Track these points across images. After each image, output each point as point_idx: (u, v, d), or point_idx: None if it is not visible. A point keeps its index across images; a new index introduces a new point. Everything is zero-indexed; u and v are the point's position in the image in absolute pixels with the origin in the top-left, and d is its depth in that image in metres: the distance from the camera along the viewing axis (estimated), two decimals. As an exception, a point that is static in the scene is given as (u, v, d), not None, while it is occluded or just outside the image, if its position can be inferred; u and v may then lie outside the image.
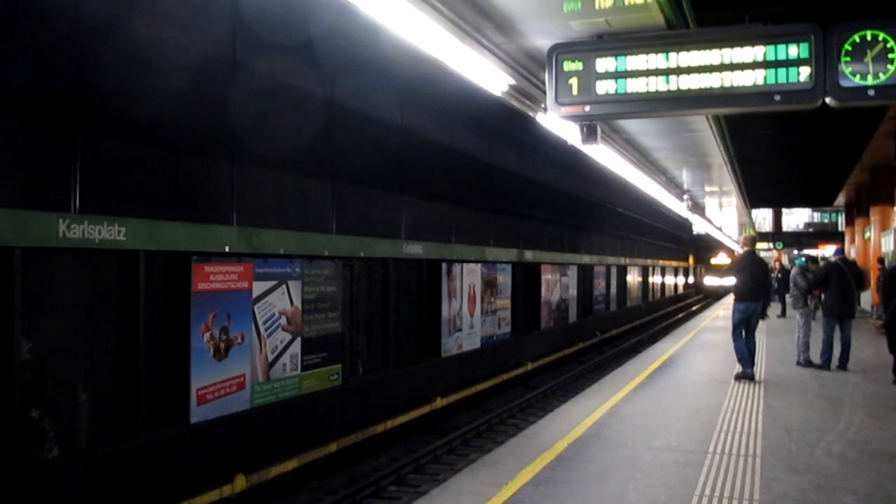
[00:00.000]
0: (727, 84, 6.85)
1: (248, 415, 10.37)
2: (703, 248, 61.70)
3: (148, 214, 8.85)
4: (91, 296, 8.38)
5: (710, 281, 59.39)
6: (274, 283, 10.96)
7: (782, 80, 6.82)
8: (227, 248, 9.97)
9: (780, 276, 28.47)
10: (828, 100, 6.92)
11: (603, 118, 7.80)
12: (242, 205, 10.32)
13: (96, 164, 8.28)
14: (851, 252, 32.54)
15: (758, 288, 12.26)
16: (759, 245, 47.75)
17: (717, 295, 53.02)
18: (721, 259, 60.08)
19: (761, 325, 18.54)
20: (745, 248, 12.75)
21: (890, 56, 6.71)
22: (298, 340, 11.52)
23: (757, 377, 12.30)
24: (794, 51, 6.81)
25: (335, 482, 11.40)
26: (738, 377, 12.15)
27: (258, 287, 10.59)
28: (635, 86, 6.90)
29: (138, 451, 8.80)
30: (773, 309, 27.78)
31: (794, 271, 15.31)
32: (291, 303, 11.36)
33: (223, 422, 9.93)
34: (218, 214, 9.99)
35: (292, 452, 10.99)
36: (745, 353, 12.13)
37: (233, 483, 9.64)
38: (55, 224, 7.67)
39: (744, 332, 12.15)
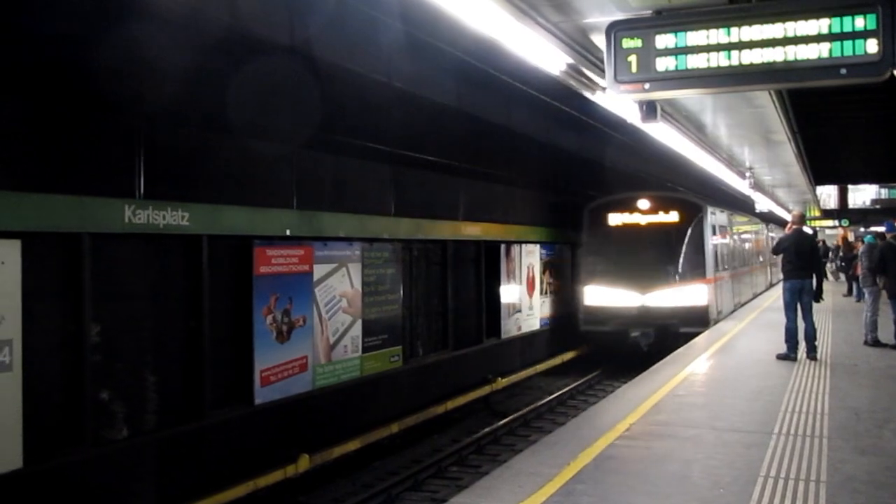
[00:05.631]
0: (790, 58, 6.67)
1: (311, 396, 10.51)
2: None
3: (210, 199, 8.98)
4: (156, 280, 8.55)
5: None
6: (334, 265, 11.06)
7: (848, 52, 6.62)
8: (287, 232, 10.08)
9: (842, 254, 27.73)
10: (896, 72, 6.72)
11: (663, 95, 7.67)
12: (302, 189, 10.42)
13: (159, 150, 8.43)
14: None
15: (803, 265, 12.02)
16: (825, 223, 46.53)
17: None
18: None
19: (826, 304, 18.17)
20: (793, 226, 12.48)
21: (962, 25, 6.48)
22: (359, 322, 11.62)
23: (820, 357, 12.07)
24: (860, 22, 6.60)
25: (397, 462, 11.50)
26: (779, 357, 11.98)
27: (319, 270, 10.70)
28: (696, 62, 6.76)
29: (204, 431, 8.97)
30: (840, 287, 27.17)
31: (861, 248, 14.93)
32: (352, 285, 11.47)
33: (286, 403, 10.07)
34: (278, 199, 10.10)
35: (354, 433, 11.11)
36: (793, 334, 11.94)
37: (297, 463, 9.78)
38: (121, 210, 7.83)
39: (799, 313, 11.94)
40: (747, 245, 26.88)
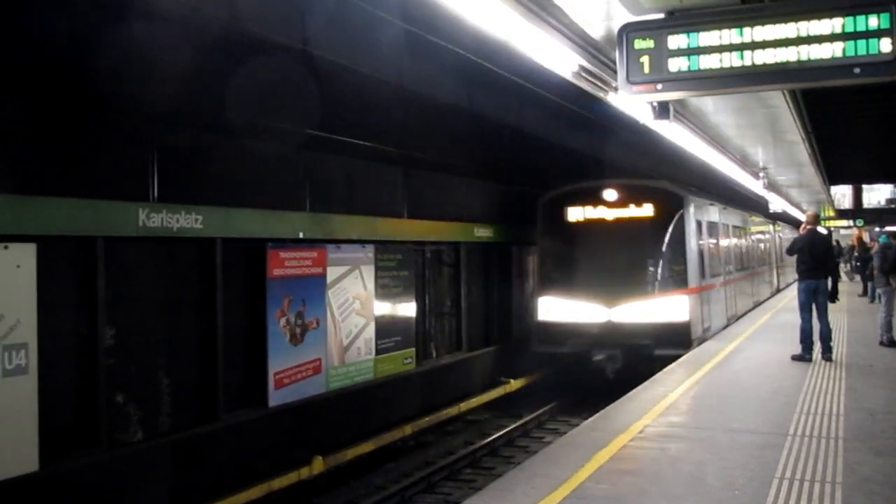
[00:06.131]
0: (804, 57, 6.64)
1: (325, 398, 10.52)
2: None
3: (223, 202, 9.01)
4: (170, 283, 8.59)
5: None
6: (347, 268, 11.09)
7: (862, 52, 6.58)
8: (300, 235, 10.11)
9: (857, 254, 27.55)
10: (910, 71, 6.67)
11: (675, 96, 7.65)
12: (315, 191, 10.44)
13: (172, 153, 8.47)
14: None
15: (817, 265, 11.96)
16: (840, 223, 46.22)
17: None
18: None
19: (842, 304, 18.03)
20: (807, 226, 12.43)
21: (977, 23, 6.44)
22: (372, 325, 11.64)
23: (836, 358, 12.00)
24: (874, 21, 6.56)
25: (410, 464, 11.50)
26: (794, 358, 11.92)
27: (332, 272, 10.73)
28: (708, 62, 6.73)
29: (218, 434, 9.00)
30: (855, 287, 27.02)
31: (875, 248, 14.85)
32: (365, 287, 11.49)
33: (300, 405, 10.09)
34: (291, 201, 10.12)
35: (368, 435, 11.12)
36: (808, 335, 11.89)
37: (311, 465, 9.80)
38: (135, 214, 7.86)
39: (814, 313, 11.88)
40: (747, 245, 23.58)
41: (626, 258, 15.14)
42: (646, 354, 13.94)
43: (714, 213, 17.88)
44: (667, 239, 15.14)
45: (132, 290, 8.13)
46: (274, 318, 9.77)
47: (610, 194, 15.43)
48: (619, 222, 15.33)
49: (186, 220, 8.46)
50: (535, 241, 16.27)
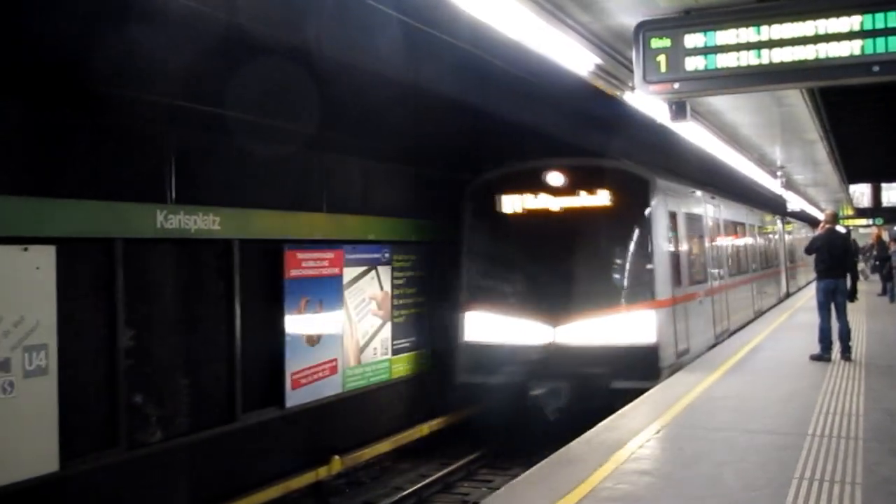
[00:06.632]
0: (822, 56, 6.60)
1: (341, 398, 10.54)
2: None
3: (241, 203, 9.04)
4: (188, 284, 8.63)
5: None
6: (364, 268, 11.11)
7: (881, 49, 6.54)
8: (317, 235, 10.14)
9: (876, 252, 27.36)
10: (930, 68, 6.62)
11: (692, 95, 7.63)
12: (331, 192, 10.46)
13: (190, 155, 8.51)
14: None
15: (835, 265, 11.90)
16: (858, 221, 45.95)
17: None
18: None
19: (860, 304, 17.88)
20: (826, 225, 12.36)
21: None
22: (388, 325, 11.66)
23: (855, 357, 11.93)
24: (893, 19, 6.54)
25: (428, 465, 11.49)
26: (813, 357, 11.85)
27: (349, 273, 10.75)
28: (726, 61, 6.71)
29: (236, 434, 9.04)
30: (873, 287, 26.83)
31: (893, 248, 14.78)
32: (381, 288, 11.50)
33: (317, 406, 10.12)
34: (308, 202, 10.14)
35: (385, 435, 11.14)
36: (827, 335, 11.82)
37: (329, 465, 9.83)
38: (153, 215, 7.90)
39: (833, 313, 11.81)
40: (748, 244, 19.91)
41: (575, 262, 11.60)
42: (600, 388, 10.72)
43: (697, 203, 14.51)
44: (628, 236, 11.77)
45: (150, 291, 8.17)
46: (291, 318, 9.80)
47: (554, 178, 12.03)
48: (568, 215, 11.91)
49: (204, 222, 8.50)
50: (461, 241, 12.45)
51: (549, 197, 12.01)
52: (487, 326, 11.76)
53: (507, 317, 11.66)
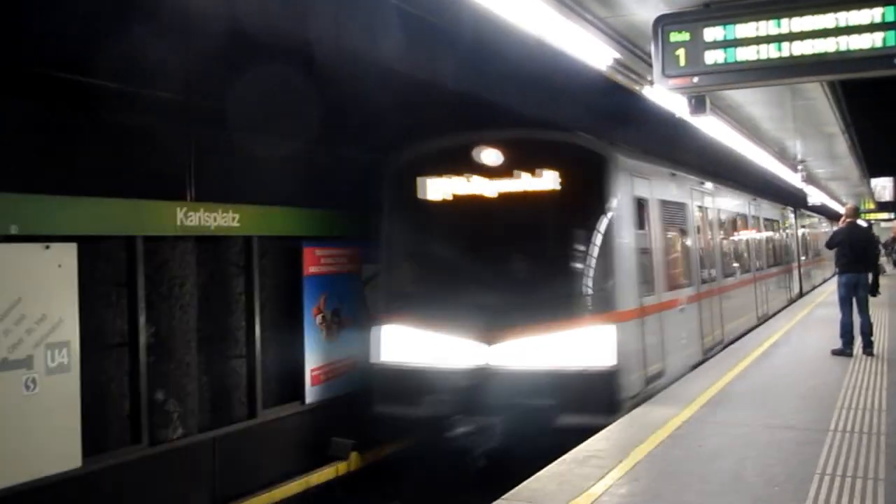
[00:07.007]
0: (843, 48, 6.55)
1: (360, 394, 10.54)
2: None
3: (260, 201, 9.08)
4: (208, 281, 8.67)
5: None
6: (383, 265, 11.07)
7: (903, 41, 6.49)
8: (335, 232, 10.15)
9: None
10: (952, 61, 6.55)
11: (712, 89, 7.58)
12: (350, 190, 10.45)
13: (210, 153, 8.54)
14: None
15: (857, 259, 11.86)
16: (880, 215, 45.64)
17: None
18: None
19: (883, 298, 17.75)
20: (847, 219, 12.30)
21: None
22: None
23: (877, 352, 11.84)
24: (915, 10, 6.47)
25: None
26: (834, 352, 11.78)
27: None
28: (745, 54, 6.66)
29: (256, 431, 9.07)
30: (894, 280, 26.61)
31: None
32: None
33: (336, 402, 10.13)
34: (327, 199, 10.16)
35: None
36: (848, 330, 11.75)
37: (348, 461, 9.84)
38: (174, 213, 7.94)
39: (855, 308, 11.75)
40: (749, 239, 17.47)
41: (515, 263, 9.22)
42: (543, 423, 8.32)
43: (680, 189, 11.88)
44: (582, 230, 9.22)
45: (171, 288, 8.22)
46: (310, 315, 9.83)
47: (488, 156, 9.42)
48: (505, 203, 9.31)
49: (224, 219, 8.54)
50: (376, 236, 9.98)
51: (483, 180, 9.38)
52: (406, 344, 9.31)
53: (431, 332, 9.14)
